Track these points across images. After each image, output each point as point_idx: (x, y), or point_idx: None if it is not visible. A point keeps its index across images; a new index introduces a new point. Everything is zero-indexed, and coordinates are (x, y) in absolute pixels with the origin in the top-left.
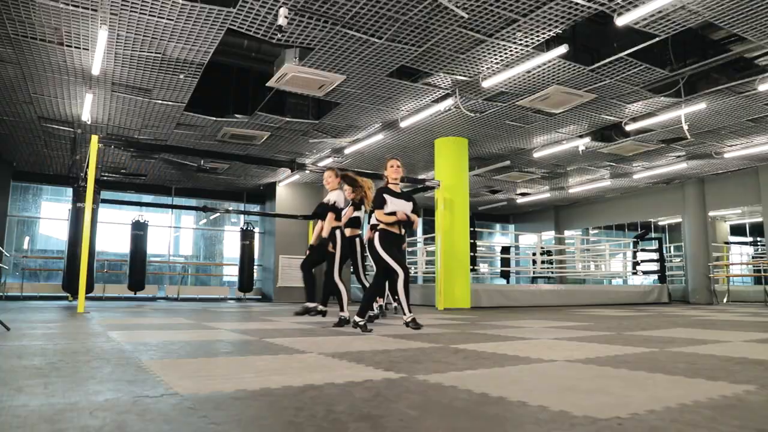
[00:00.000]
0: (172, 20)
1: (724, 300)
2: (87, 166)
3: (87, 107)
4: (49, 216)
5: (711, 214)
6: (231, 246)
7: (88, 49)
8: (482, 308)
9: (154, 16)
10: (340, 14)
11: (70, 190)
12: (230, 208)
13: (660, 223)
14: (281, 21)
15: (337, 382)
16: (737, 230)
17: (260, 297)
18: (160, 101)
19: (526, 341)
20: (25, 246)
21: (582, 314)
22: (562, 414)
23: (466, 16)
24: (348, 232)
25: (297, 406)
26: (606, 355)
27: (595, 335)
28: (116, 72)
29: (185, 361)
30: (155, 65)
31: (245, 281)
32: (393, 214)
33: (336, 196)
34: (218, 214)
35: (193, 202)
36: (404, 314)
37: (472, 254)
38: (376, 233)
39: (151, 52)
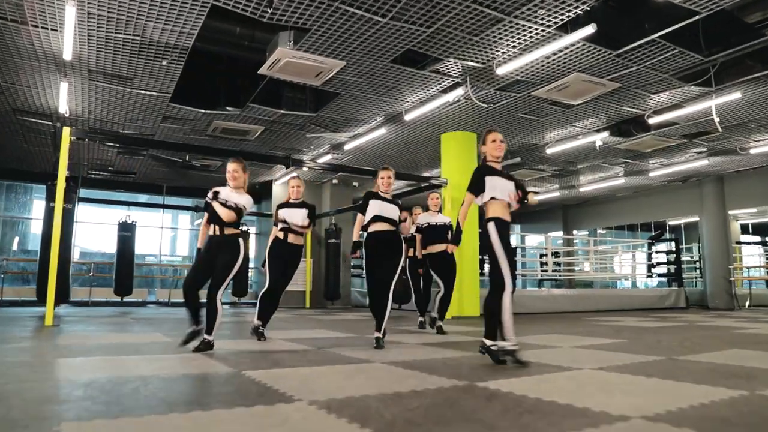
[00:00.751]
0: None
1: (746, 304)
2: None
3: (63, 98)
4: (40, 216)
5: (731, 213)
6: None
7: (57, 30)
8: None
9: None
10: None
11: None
12: None
13: (673, 223)
14: None
15: None
16: (748, 230)
17: (255, 301)
18: (143, 91)
19: (567, 374)
20: (15, 247)
21: (605, 325)
22: None
23: None
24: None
25: None
26: (691, 406)
27: (646, 362)
28: (91, 57)
29: (120, 424)
30: (134, 49)
31: (238, 285)
32: (379, 218)
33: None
34: None
35: (188, 201)
36: (502, 339)
37: (481, 257)
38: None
39: (129, 34)
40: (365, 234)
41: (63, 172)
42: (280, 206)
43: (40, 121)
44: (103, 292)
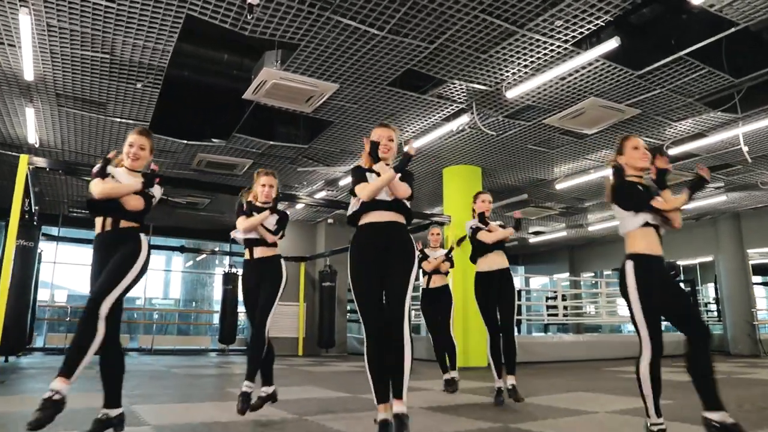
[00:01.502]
0: (114, 2)
1: None
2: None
3: (31, 125)
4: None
5: (749, 251)
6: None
7: (14, 46)
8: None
9: None
10: None
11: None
12: (216, 249)
13: (684, 264)
14: None
15: None
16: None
17: (245, 348)
18: (118, 119)
19: None
20: None
21: (630, 377)
22: None
23: None
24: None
25: None
26: None
27: None
28: (57, 78)
29: None
30: (104, 70)
31: (227, 331)
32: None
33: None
34: (204, 256)
35: (174, 242)
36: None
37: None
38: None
39: (97, 52)
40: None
41: (18, 204)
42: (244, 213)
43: (6, 152)
44: None
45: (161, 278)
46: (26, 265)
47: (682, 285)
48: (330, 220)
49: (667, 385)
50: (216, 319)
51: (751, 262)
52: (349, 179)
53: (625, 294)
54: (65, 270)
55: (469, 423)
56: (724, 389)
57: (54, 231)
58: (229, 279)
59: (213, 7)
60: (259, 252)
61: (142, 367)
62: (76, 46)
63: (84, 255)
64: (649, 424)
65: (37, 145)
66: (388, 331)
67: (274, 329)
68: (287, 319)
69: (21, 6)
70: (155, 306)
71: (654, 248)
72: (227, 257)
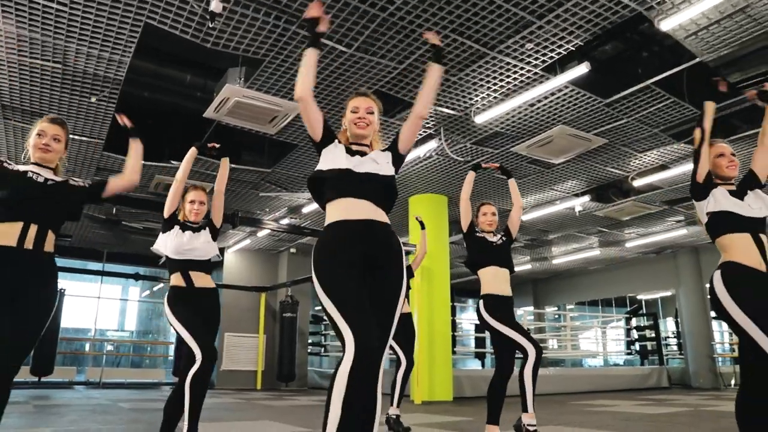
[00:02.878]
0: (65, 5)
1: (732, 383)
2: None
3: None
4: None
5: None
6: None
7: None
8: (467, 400)
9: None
10: (296, 6)
11: None
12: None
13: (646, 298)
14: (214, 6)
15: None
16: None
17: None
18: (71, 135)
19: None
20: None
21: (600, 411)
22: None
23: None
24: None
25: None
26: None
27: None
28: (3, 88)
29: None
30: (56, 81)
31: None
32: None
33: None
34: (161, 286)
35: (129, 269)
36: None
37: (453, 333)
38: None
39: (48, 60)
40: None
41: None
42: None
43: None
44: (21, 372)
45: (116, 308)
46: None
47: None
48: (293, 250)
49: (636, 419)
50: (170, 350)
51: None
52: (312, 206)
53: (722, 311)
54: None
55: None
56: (696, 423)
57: None
58: None
59: (173, 16)
60: (201, 280)
61: (86, 401)
62: (24, 54)
63: None
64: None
65: None
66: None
67: (230, 362)
68: (245, 351)
69: None
70: (107, 337)
71: (748, 258)
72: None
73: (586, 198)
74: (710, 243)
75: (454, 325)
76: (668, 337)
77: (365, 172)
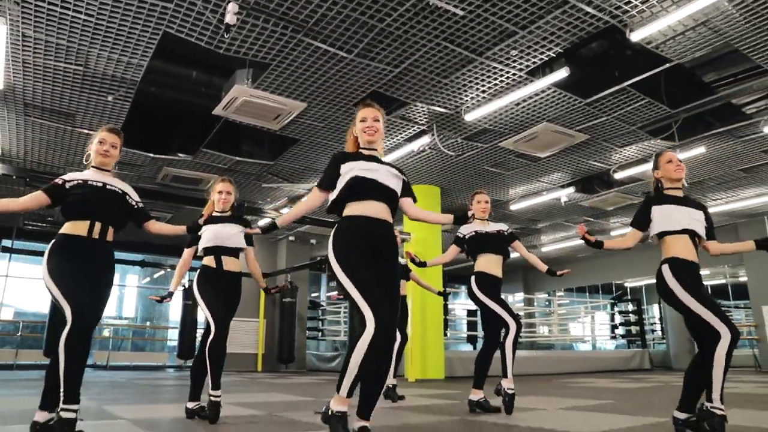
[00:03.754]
0: (93, 17)
1: None
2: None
3: None
4: None
5: None
6: (176, 307)
7: None
8: (458, 379)
9: (69, 9)
10: (302, 18)
11: None
12: (175, 264)
13: (632, 285)
14: (229, 18)
15: None
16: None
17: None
18: (86, 130)
19: None
20: None
21: (580, 386)
22: None
23: (461, 13)
24: None
25: None
26: None
27: (652, 423)
28: (28, 88)
29: None
30: (77, 82)
31: (186, 346)
32: (366, 190)
33: None
34: (162, 273)
35: (135, 256)
36: None
37: (445, 318)
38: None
39: (71, 64)
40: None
41: None
42: (204, 222)
43: None
44: (32, 355)
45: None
46: None
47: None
48: (291, 238)
49: (609, 391)
50: (171, 334)
51: None
52: None
53: (670, 296)
54: (12, 285)
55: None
56: (659, 393)
57: (7, 243)
58: (189, 294)
59: (190, 26)
60: (230, 264)
61: (101, 379)
62: (49, 57)
63: (34, 270)
64: (708, 407)
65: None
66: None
67: (232, 345)
68: (247, 335)
69: None
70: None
71: (686, 253)
72: (186, 273)
73: (571, 189)
74: None
75: (446, 310)
76: (654, 323)
77: (385, 183)
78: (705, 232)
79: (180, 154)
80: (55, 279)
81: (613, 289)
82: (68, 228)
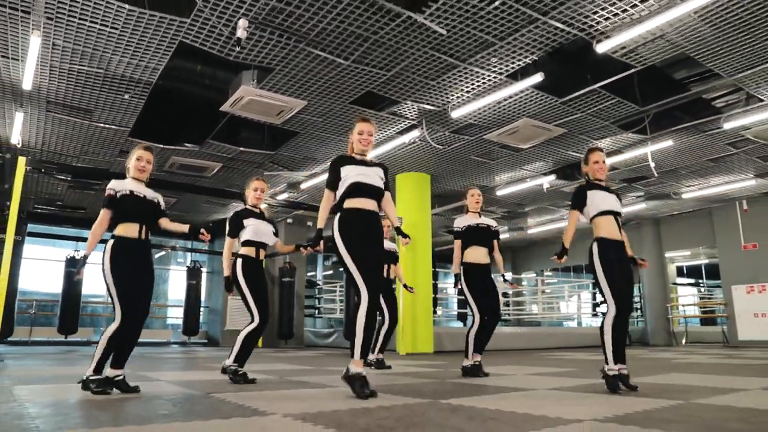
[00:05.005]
0: (117, 29)
1: (683, 341)
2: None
3: (17, 128)
4: None
5: (667, 255)
6: (176, 286)
7: (18, 60)
8: (446, 353)
9: (96, 23)
10: (305, 30)
11: None
12: (176, 246)
13: None
14: (240, 33)
15: None
16: (687, 272)
17: (206, 341)
18: (102, 124)
19: (525, 393)
20: None
21: (555, 358)
22: None
23: (444, 32)
24: None
25: None
26: (635, 411)
27: (596, 384)
28: (52, 88)
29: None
30: (97, 82)
31: (191, 324)
32: (361, 188)
33: None
34: (163, 253)
35: None
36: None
37: (434, 296)
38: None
39: (93, 67)
40: (337, 215)
41: (16, 203)
42: (246, 215)
43: None
44: (44, 332)
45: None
46: (15, 259)
47: None
48: (289, 220)
49: (577, 362)
50: (171, 312)
51: (677, 264)
52: (310, 182)
53: (592, 269)
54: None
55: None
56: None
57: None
58: (193, 274)
59: (203, 37)
60: (262, 256)
61: None
62: (74, 62)
63: (41, 251)
64: (606, 369)
65: (19, 145)
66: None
67: (234, 323)
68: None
69: (34, 30)
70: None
71: (611, 233)
72: (189, 254)
73: (553, 177)
74: (670, 215)
75: (435, 288)
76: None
77: (375, 185)
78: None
79: (187, 144)
80: (115, 279)
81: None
82: (122, 231)
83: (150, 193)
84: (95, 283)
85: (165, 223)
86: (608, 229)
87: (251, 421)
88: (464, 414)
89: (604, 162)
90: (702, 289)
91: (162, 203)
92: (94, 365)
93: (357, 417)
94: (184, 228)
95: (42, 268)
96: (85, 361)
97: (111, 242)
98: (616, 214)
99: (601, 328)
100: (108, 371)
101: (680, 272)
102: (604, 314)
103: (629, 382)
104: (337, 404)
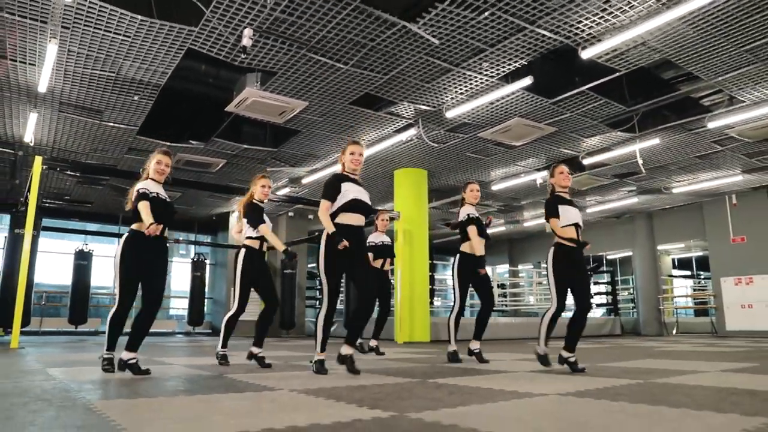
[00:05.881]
0: (129, 37)
1: (674, 332)
2: (27, 190)
3: (31, 128)
4: None
5: (659, 248)
6: (179, 278)
7: (35, 65)
8: (442, 341)
9: (110, 32)
10: (306, 38)
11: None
12: (180, 239)
13: (610, 257)
14: (246, 42)
15: (324, 422)
16: (681, 264)
17: (210, 331)
18: (111, 124)
19: (504, 375)
20: None
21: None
22: None
23: (437, 42)
24: None
25: None
26: (596, 388)
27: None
28: (65, 90)
29: (141, 402)
30: (108, 85)
31: (195, 314)
32: (356, 206)
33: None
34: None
35: None
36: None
37: (430, 287)
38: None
39: (105, 71)
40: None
41: (34, 199)
42: (255, 207)
43: (0, 149)
44: (54, 322)
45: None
46: (32, 252)
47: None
48: (291, 213)
49: (577, 351)
50: (174, 303)
51: (672, 257)
52: (311, 177)
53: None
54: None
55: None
56: (607, 351)
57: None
58: (197, 266)
59: (211, 44)
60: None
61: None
62: (88, 66)
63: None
64: (537, 349)
65: (31, 144)
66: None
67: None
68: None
69: (51, 38)
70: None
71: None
72: (192, 247)
73: (545, 172)
74: (662, 209)
75: (431, 280)
76: (631, 292)
77: (367, 202)
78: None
79: (192, 142)
80: (122, 268)
81: (590, 261)
82: (139, 226)
83: (168, 196)
84: (102, 275)
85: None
86: (568, 235)
87: (262, 395)
88: (446, 390)
89: (569, 173)
90: (700, 281)
91: (173, 205)
92: (106, 345)
93: (353, 392)
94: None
95: (50, 261)
96: (98, 348)
97: (127, 234)
98: (578, 225)
99: (542, 319)
100: (123, 354)
101: (676, 265)
102: (548, 309)
103: (578, 366)
104: (336, 382)
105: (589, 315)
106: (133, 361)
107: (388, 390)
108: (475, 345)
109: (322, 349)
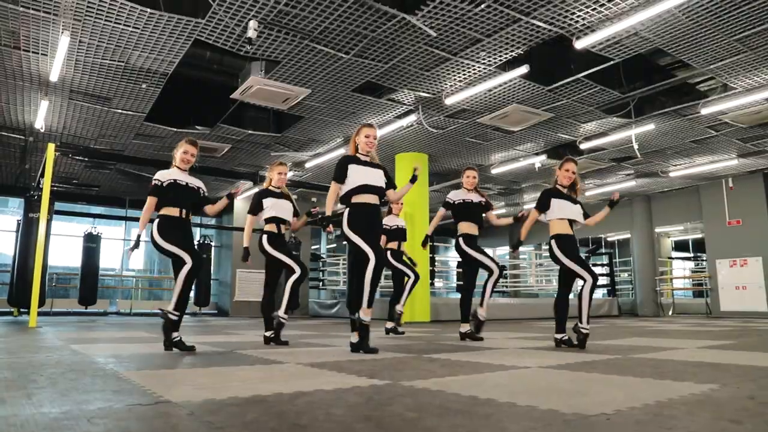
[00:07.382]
0: (138, 29)
1: (670, 312)
2: (40, 175)
3: (42, 115)
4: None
5: (657, 230)
6: None
7: (47, 55)
8: (442, 321)
9: (120, 23)
10: (309, 29)
11: (13, 201)
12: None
13: (609, 239)
14: (251, 33)
15: (326, 388)
16: (679, 246)
17: (216, 311)
18: (120, 111)
19: (495, 351)
20: None
21: (540, 326)
22: (552, 412)
23: (434, 34)
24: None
25: (295, 410)
26: (575, 362)
27: (551, 345)
28: (75, 79)
29: (165, 372)
30: (117, 74)
31: (202, 295)
32: (366, 188)
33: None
34: None
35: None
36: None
37: (430, 269)
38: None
39: (114, 60)
40: (346, 209)
41: (48, 186)
42: (265, 195)
43: (12, 135)
44: (64, 303)
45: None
46: (47, 235)
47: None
48: (294, 196)
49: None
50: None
51: (671, 239)
52: (314, 162)
53: (556, 259)
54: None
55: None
56: (600, 330)
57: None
58: (202, 248)
59: (217, 35)
60: (283, 230)
61: (135, 323)
62: (98, 56)
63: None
64: (579, 326)
65: (42, 130)
66: None
67: (242, 294)
68: (255, 285)
69: (63, 30)
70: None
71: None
72: (198, 229)
73: (544, 156)
74: (660, 192)
75: (432, 261)
76: (630, 273)
77: (377, 185)
78: (582, 216)
79: (198, 128)
80: (167, 240)
81: (590, 243)
82: (167, 211)
83: (192, 181)
84: (110, 257)
85: (209, 209)
86: (561, 227)
87: (272, 367)
88: (439, 363)
89: (574, 173)
90: (699, 263)
91: (204, 190)
92: (174, 302)
93: (353, 365)
94: (224, 202)
95: (59, 243)
96: (111, 328)
97: (157, 220)
98: (571, 221)
99: (580, 297)
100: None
101: (673, 247)
102: (582, 287)
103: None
104: (339, 357)
105: (604, 296)
106: (177, 338)
107: (386, 363)
108: (464, 328)
109: (369, 305)
